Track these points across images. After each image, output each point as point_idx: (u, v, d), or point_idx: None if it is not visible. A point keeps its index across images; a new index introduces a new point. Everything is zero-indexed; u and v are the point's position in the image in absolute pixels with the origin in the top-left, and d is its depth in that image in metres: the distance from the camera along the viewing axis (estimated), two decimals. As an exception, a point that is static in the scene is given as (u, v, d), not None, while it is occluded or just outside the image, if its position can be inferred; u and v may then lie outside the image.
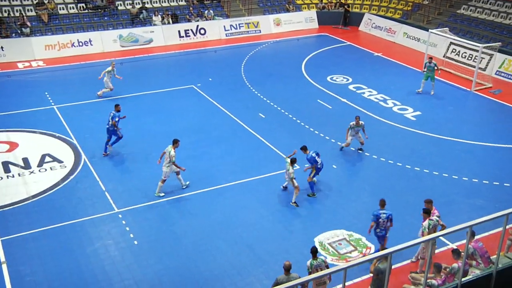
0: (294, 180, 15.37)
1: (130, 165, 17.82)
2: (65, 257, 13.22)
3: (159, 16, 31.40)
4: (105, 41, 29.41)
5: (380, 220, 12.84)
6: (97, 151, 18.38)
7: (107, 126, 17.94)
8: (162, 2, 33.23)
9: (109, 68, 22.60)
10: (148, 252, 13.53)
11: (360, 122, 18.22)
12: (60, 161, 17.76)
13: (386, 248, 11.90)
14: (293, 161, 15.52)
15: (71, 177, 16.88)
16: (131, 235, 14.14)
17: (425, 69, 23.73)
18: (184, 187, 16.31)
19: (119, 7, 31.90)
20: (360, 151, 18.49)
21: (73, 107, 21.98)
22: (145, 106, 22.37)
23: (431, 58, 24.13)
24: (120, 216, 14.97)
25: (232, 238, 14.17)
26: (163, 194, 15.95)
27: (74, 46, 28.66)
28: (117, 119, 17.81)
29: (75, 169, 17.31)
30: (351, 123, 18.27)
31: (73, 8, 30.76)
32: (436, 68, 23.47)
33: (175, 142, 15.96)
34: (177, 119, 21.18)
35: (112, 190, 16.19)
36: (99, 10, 31.07)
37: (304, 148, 16.22)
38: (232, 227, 14.64)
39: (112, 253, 13.47)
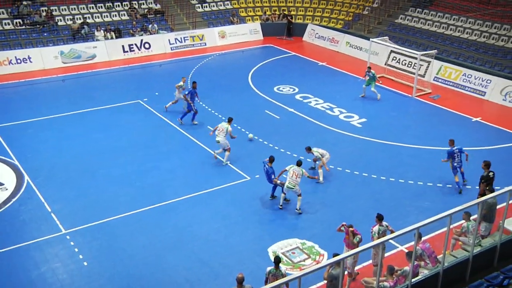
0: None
1: (77, 183, 17.28)
2: (8, 284, 12.61)
3: (102, 31, 30.83)
4: (46, 58, 28.54)
5: (454, 154, 16.65)
6: (41, 171, 17.75)
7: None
8: (104, 17, 32.68)
9: (181, 83, 22.29)
10: (99, 273, 13.13)
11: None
12: (0, 184, 17.01)
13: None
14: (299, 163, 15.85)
15: (13, 199, 16.18)
16: (81, 256, 13.69)
17: (366, 77, 24.63)
18: (224, 163, 18.27)
19: (59, 23, 31.10)
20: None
21: (14, 127, 21.15)
22: (91, 122, 21.83)
23: (369, 67, 25.00)
24: (68, 237, 14.47)
25: (185, 253, 13.97)
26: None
27: (12, 64, 27.62)
28: (187, 92, 20.77)
29: (17, 191, 16.62)
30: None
31: (8, 24, 29.69)
32: (374, 76, 24.48)
33: (230, 120, 18.70)
34: (124, 135, 20.79)
35: (58, 211, 15.64)
36: (38, 26, 30.16)
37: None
38: (184, 242, 14.44)
39: (60, 276, 12.98)
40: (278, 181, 16.02)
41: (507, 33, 27.87)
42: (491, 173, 14.81)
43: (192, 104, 21.14)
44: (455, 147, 17.07)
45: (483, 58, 27.26)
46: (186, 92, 20.93)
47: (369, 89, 24.71)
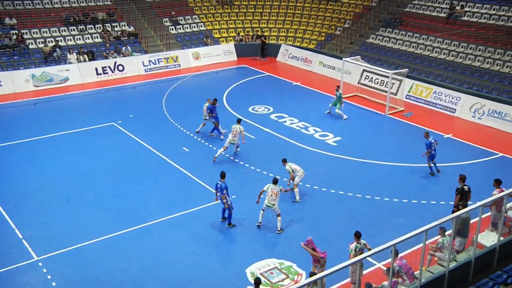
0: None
1: (49, 208, 16.92)
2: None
3: (74, 54, 30.61)
4: (16, 81, 28.14)
5: (432, 145, 18.83)
6: (12, 197, 17.36)
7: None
8: (77, 40, 32.48)
9: (207, 104, 22.62)
10: (73, 300, 12.81)
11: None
12: (-30, 211, 16.57)
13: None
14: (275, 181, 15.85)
15: (-16, 227, 15.76)
16: (54, 284, 13.35)
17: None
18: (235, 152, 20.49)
19: (30, 46, 30.77)
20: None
21: (-16, 152, 20.71)
22: (65, 146, 21.51)
23: (338, 86, 25.37)
24: (40, 264, 14.11)
25: (163, 277, 13.76)
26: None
27: (-18, 88, 27.16)
28: (208, 110, 22.18)
29: (-13, 218, 16.19)
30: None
31: (-22, 47, 29.30)
32: (340, 97, 24.88)
33: (239, 121, 20.85)
34: (99, 158, 20.53)
35: (30, 237, 15.26)
36: (8, 49, 29.78)
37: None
38: (161, 265, 14.23)
39: (33, 305, 12.62)
40: (228, 198, 15.70)
41: (473, 52, 28.67)
42: (465, 187, 15.09)
43: (214, 116, 22.40)
44: (431, 138, 19.30)
45: (452, 76, 27.94)
46: (205, 107, 22.40)
47: (334, 110, 25.05)
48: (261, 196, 16.02)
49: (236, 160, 20.49)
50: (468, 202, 14.91)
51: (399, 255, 11.83)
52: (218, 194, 16.02)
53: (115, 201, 17.38)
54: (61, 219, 16.27)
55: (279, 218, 15.80)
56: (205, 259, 14.59)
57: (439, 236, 12.90)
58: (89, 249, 14.85)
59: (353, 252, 12.48)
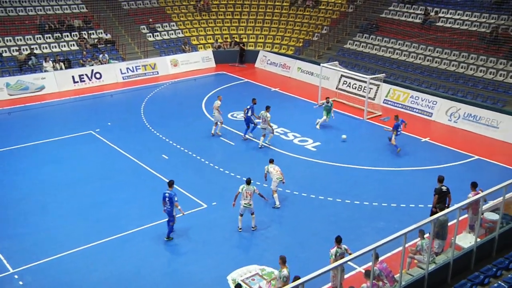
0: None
1: (26, 219, 16.62)
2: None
3: (50, 62, 30.24)
4: (-9, 90, 27.67)
5: (399, 128, 21.70)
6: (-12, 208, 17.00)
7: (244, 117, 23.14)
8: (53, 48, 32.09)
9: (219, 103, 23.18)
10: (51, 312, 12.58)
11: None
12: None
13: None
14: (248, 182, 16.04)
15: (-42, 239, 15.42)
16: (31, 296, 13.11)
17: (323, 105, 25.00)
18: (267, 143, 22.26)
19: (4, 54, 30.28)
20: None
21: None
22: (41, 155, 21.19)
23: (328, 98, 25.12)
24: (16, 276, 13.84)
25: (145, 285, 13.61)
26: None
27: (-46, 96, 26.65)
28: (248, 107, 22.89)
29: (-38, 230, 15.85)
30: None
31: (-49, 56, 28.75)
32: (331, 108, 24.75)
33: (268, 108, 22.14)
34: (77, 167, 20.27)
35: (5, 249, 14.96)
36: (-17, 58, 29.33)
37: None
38: (142, 274, 14.09)
39: (10, 318, 12.36)
40: (179, 207, 15.34)
41: (448, 57, 29.17)
42: (444, 188, 15.37)
43: (255, 116, 23.04)
44: (400, 121, 21.90)
45: (428, 80, 28.37)
46: (248, 107, 23.05)
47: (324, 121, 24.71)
48: (236, 198, 16.07)
49: (216, 167, 20.44)
50: (450, 204, 15.12)
51: (380, 259, 11.92)
52: (166, 204, 15.35)
53: (94, 210, 17.18)
54: (39, 230, 16.00)
55: (253, 216, 16.02)
56: (186, 266, 14.49)
57: (418, 239, 13.04)
58: (68, 259, 14.62)
59: (334, 257, 12.53)
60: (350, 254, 12.49)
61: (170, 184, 15.62)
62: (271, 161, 17.97)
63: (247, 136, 23.25)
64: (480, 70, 27.41)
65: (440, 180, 15.57)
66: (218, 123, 23.52)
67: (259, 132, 22.97)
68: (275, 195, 17.62)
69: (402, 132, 22.14)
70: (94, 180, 19.25)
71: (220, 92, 30.20)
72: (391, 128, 22.14)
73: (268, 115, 21.94)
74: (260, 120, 22.29)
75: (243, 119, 23.46)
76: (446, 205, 15.13)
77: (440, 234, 13.39)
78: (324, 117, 24.74)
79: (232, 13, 39.27)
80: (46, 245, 15.19)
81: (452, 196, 15.30)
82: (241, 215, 16.04)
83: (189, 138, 23.19)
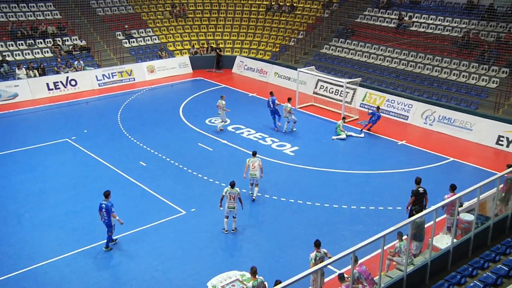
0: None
1: None
2: None
3: (23, 69, 29.75)
4: (-37, 98, 27.10)
5: (373, 118, 24.09)
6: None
7: (270, 108, 24.89)
8: (26, 55, 31.60)
9: (223, 102, 24.52)
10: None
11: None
12: None
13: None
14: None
15: None
16: (7, 308, 12.82)
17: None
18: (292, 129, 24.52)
19: (-23, 62, 29.75)
20: None
21: None
22: (16, 164, 20.79)
23: (289, 98, 25.16)
24: (-9, 288, 13.54)
25: (122, 295, 13.44)
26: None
27: None
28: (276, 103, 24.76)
29: None
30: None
31: None
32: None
33: (289, 99, 24.52)
34: (52, 176, 19.95)
35: (-20, 261, 14.62)
36: (-47, 65, 28.70)
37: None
38: (120, 282, 13.92)
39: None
40: (117, 217, 15.20)
41: (422, 60, 29.65)
42: (420, 189, 15.57)
43: (276, 108, 24.89)
44: (379, 114, 24.39)
45: (403, 84, 28.77)
46: (270, 101, 24.83)
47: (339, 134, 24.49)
48: (222, 201, 16.14)
49: (195, 173, 20.35)
50: (427, 205, 15.33)
51: (359, 262, 12.00)
52: (102, 215, 15.15)
53: (70, 219, 16.91)
54: (12, 241, 15.66)
55: (234, 219, 16.18)
56: (166, 274, 14.36)
57: (396, 241, 13.17)
58: (43, 270, 14.34)
59: (313, 261, 12.56)
60: (330, 257, 12.53)
61: (106, 195, 15.30)
62: (254, 154, 18.47)
63: (277, 126, 25.04)
64: (453, 74, 27.91)
65: (418, 181, 15.78)
66: (223, 121, 24.91)
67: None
68: (256, 188, 18.31)
69: (373, 124, 24.32)
70: (69, 188, 18.97)
71: (198, 98, 30.16)
72: (367, 120, 24.59)
73: (289, 105, 24.19)
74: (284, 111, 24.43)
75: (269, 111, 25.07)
76: (424, 205, 15.37)
77: (418, 235, 13.57)
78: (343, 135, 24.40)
79: (208, 18, 39.27)
80: (21, 256, 14.88)
81: (428, 198, 15.50)
82: (227, 217, 16.13)
83: (167, 145, 23.05)
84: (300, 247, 15.27)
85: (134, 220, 16.88)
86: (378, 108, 24.92)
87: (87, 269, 14.46)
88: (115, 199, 18.20)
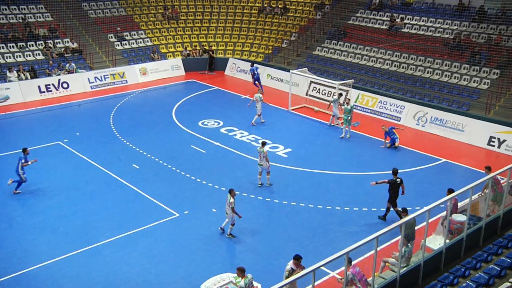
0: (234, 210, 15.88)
1: (-8, 234, 16.17)
2: None
3: (15, 71, 29.58)
4: (-47, 101, 26.90)
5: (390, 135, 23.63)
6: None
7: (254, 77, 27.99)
8: (17, 57, 31.41)
9: (260, 95, 25.78)
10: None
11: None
12: None
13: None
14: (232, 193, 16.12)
15: None
16: (-1, 313, 12.73)
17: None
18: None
19: (-32, 64, 29.56)
20: None
21: None
22: (7, 167, 20.62)
23: (348, 99, 25.63)
24: (-17, 293, 13.44)
25: (115, 298, 13.39)
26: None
27: None
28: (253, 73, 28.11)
29: None
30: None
31: None
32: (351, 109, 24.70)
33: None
34: (45, 178, 19.84)
35: (-28, 265, 14.51)
36: None
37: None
38: (113, 286, 13.84)
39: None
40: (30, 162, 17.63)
41: (414, 62, 29.78)
42: (398, 179, 16.77)
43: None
44: (389, 129, 23.63)
45: (396, 85, 28.88)
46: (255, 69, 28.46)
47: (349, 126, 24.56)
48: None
49: (188, 175, 20.31)
50: (421, 206, 15.36)
51: (352, 263, 12.01)
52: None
53: (62, 222, 16.82)
54: (4, 244, 15.56)
55: (231, 226, 16.18)
56: (159, 277, 14.31)
57: (389, 243, 13.17)
58: (36, 274, 14.26)
59: (286, 273, 12.33)
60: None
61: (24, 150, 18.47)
62: (263, 144, 19.24)
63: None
64: (445, 75, 28.06)
65: (395, 172, 17.01)
66: (257, 114, 25.91)
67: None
68: (267, 176, 19.37)
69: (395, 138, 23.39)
70: (62, 191, 18.87)
71: (190, 100, 30.13)
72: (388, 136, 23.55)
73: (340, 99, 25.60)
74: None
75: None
76: (402, 192, 16.75)
77: (409, 236, 13.60)
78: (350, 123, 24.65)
79: (200, 20, 39.25)
80: (13, 260, 14.78)
81: (422, 199, 15.62)
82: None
83: (160, 147, 23.00)
84: (293, 249, 15.24)
85: (127, 223, 16.81)
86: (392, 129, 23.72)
87: (79, 272, 14.39)
88: (107, 202, 18.20)
